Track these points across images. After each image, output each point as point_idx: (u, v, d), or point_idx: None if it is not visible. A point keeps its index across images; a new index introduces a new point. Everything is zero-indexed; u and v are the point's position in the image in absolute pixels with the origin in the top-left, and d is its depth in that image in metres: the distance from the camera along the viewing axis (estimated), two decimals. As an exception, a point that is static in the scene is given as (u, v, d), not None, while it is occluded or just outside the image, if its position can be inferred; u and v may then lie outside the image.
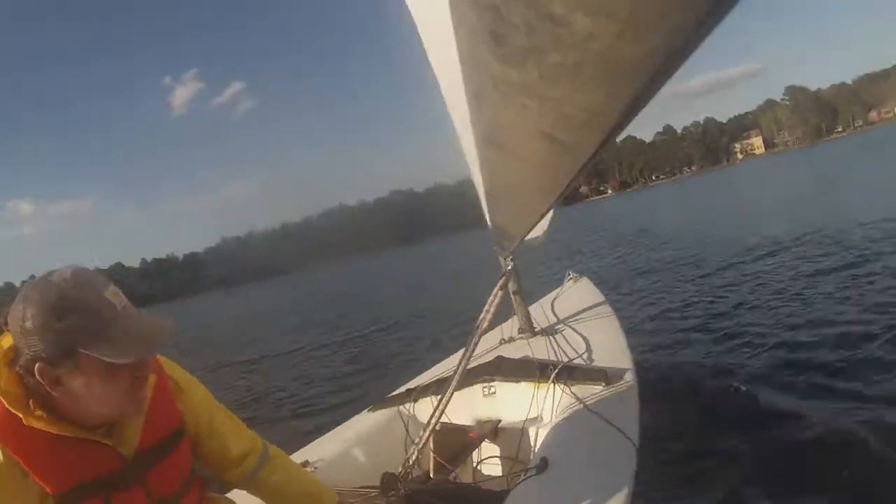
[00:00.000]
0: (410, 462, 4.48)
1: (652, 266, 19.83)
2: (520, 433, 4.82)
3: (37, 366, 2.02)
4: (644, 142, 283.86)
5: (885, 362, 6.60)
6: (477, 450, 5.20)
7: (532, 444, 4.60)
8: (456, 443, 5.08)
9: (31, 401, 2.11)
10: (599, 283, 9.14)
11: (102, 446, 2.28)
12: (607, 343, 5.40)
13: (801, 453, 5.22)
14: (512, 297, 6.68)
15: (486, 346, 6.52)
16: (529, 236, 6.24)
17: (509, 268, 5.60)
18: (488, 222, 5.56)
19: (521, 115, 1.17)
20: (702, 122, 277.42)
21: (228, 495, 3.12)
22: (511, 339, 6.67)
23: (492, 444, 5.23)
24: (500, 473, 4.62)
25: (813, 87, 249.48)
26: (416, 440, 4.71)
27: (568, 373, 4.62)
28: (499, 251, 6.08)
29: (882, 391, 6.01)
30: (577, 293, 8.26)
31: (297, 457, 4.69)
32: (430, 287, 32.00)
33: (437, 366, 6.81)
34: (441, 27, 1.45)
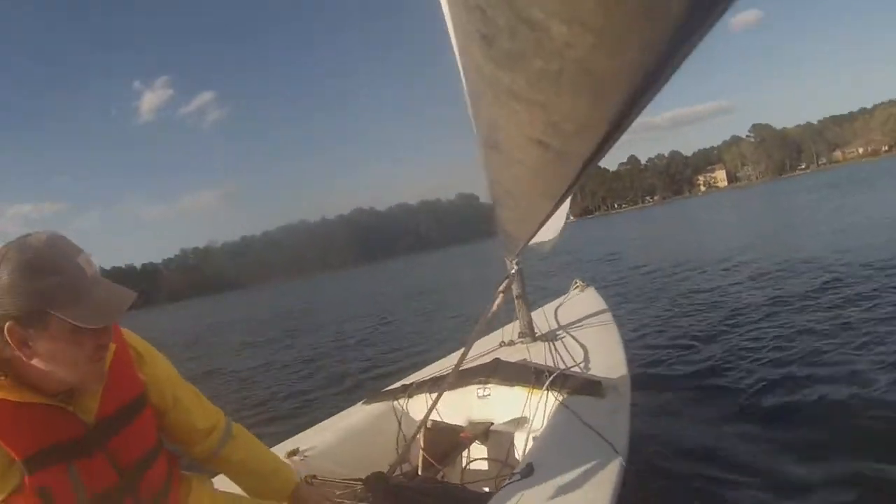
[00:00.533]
0: (400, 458, 4.57)
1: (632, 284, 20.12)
2: (510, 437, 4.84)
3: (7, 325, 2.05)
4: (608, 170, 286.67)
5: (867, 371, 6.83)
6: (467, 450, 5.17)
7: (521, 448, 4.60)
8: (447, 442, 5.07)
9: None
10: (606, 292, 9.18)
11: (63, 412, 2.31)
12: (605, 354, 5.40)
13: (796, 474, 5.19)
14: (515, 300, 6.66)
15: (486, 348, 6.57)
16: (539, 241, 6.69)
17: (513, 271, 5.65)
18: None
19: (512, 119, 1.18)
20: (667, 154, 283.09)
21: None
22: (511, 343, 6.68)
23: (482, 446, 5.23)
24: (488, 475, 4.56)
25: (779, 125, 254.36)
26: (408, 436, 4.79)
27: (563, 381, 4.62)
28: (505, 254, 6.04)
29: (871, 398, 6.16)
30: (581, 301, 8.27)
31: (288, 444, 4.82)
32: (391, 306, 31.75)
33: (435, 363, 6.76)
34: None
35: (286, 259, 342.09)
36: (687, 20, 0.59)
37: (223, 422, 3.09)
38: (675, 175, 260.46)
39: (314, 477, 4.33)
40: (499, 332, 7.05)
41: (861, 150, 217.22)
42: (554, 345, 5.93)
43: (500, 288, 5.17)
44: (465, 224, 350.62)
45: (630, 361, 5.17)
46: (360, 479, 4.15)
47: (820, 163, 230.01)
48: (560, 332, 6.62)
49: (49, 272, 2.08)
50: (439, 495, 4.19)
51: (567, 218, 6.70)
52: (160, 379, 2.80)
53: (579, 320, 7.03)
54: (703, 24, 0.61)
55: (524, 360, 5.68)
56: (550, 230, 6.49)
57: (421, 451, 4.91)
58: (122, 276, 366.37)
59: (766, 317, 11.29)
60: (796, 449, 5.52)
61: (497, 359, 5.68)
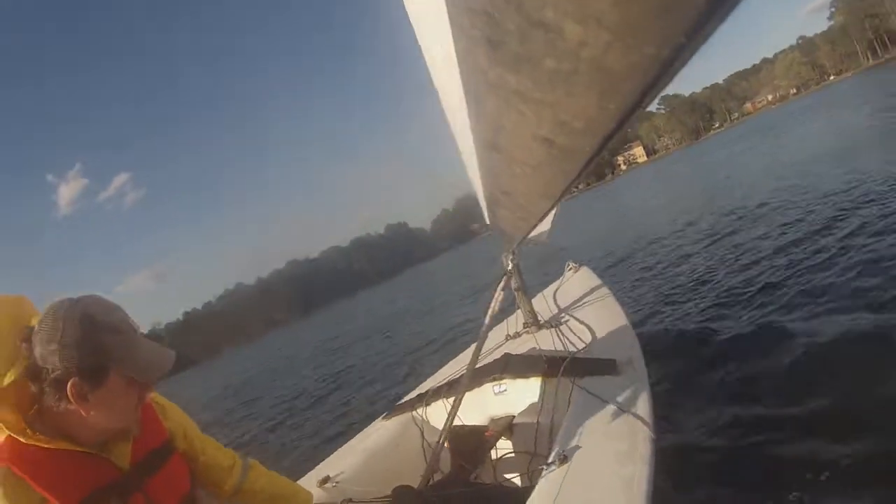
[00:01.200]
0: (430, 467, 4.51)
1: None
2: (534, 428, 4.78)
3: (72, 380, 2.16)
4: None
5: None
6: (494, 448, 5.11)
7: (548, 438, 4.52)
8: (472, 443, 5.05)
9: (29, 423, 2.24)
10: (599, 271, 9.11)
11: (100, 459, 2.39)
12: (612, 330, 5.41)
13: (821, 430, 5.07)
14: (515, 293, 6.66)
15: (493, 344, 6.58)
16: (532, 235, 6.30)
17: (509, 267, 5.65)
18: (487, 221, 5.42)
19: (518, 119, 1.20)
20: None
21: None
22: (517, 335, 6.69)
23: (507, 441, 5.22)
24: (521, 469, 4.62)
25: (687, 92, 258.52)
26: (432, 445, 4.77)
27: (576, 365, 4.62)
28: (503, 250, 6.02)
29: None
30: (577, 282, 8.27)
31: (318, 473, 4.83)
32: (335, 356, 31.44)
33: (445, 368, 6.85)
34: (441, 29, 1.44)
35: (232, 326, 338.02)
36: (703, 12, 0.59)
37: (239, 457, 3.29)
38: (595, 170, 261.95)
39: (349, 501, 4.38)
40: (503, 325, 7.14)
41: (770, 98, 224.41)
42: (560, 330, 5.98)
43: (500, 285, 5.15)
44: (397, 254, 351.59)
45: (639, 335, 5.16)
46: (388, 496, 4.18)
47: (733, 118, 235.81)
48: (563, 315, 6.65)
49: (108, 330, 2.24)
50: (473, 497, 4.25)
51: (557, 219, 6.12)
52: (181, 425, 2.95)
53: (580, 301, 7.06)
54: (719, 15, 0.61)
55: (534, 349, 5.71)
56: (544, 224, 6.16)
57: (450, 457, 4.90)
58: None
59: (726, 272, 11.75)
60: (820, 413, 5.36)
61: (507, 353, 5.64)
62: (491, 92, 1.20)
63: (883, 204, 11.74)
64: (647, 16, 0.61)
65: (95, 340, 2.20)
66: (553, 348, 5.46)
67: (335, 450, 5.43)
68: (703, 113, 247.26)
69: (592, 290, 7.37)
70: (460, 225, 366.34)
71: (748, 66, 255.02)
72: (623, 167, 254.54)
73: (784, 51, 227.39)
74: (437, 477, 4.68)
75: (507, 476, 4.76)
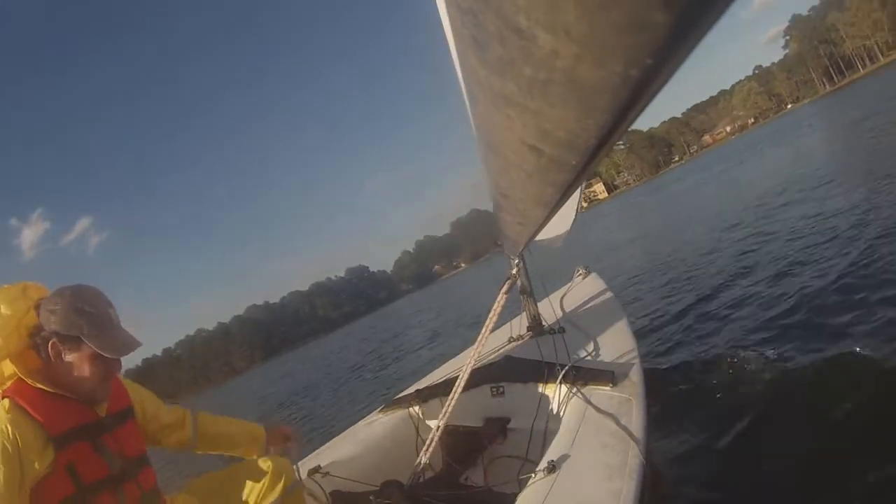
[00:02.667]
0: (421, 464, 4.53)
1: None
2: (529, 434, 4.78)
3: (51, 340, 2.94)
4: (489, 212, 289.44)
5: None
6: (487, 450, 5.20)
7: (541, 444, 4.52)
8: (466, 444, 5.17)
9: (35, 371, 2.98)
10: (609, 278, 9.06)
11: (85, 406, 3.10)
12: (615, 341, 5.40)
13: (815, 447, 5.04)
14: (520, 296, 6.73)
15: (495, 345, 6.60)
16: (546, 238, 6.60)
17: (514, 271, 5.56)
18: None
19: (506, 123, 1.19)
20: None
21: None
22: (519, 338, 6.67)
23: (501, 445, 5.22)
24: (511, 475, 4.43)
25: (645, 127, 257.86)
26: (426, 442, 4.68)
27: (575, 373, 4.64)
28: (508, 253, 5.87)
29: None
30: (585, 289, 8.24)
31: (309, 461, 4.91)
32: (290, 402, 30.78)
33: (446, 365, 6.86)
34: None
35: (191, 373, 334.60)
36: (672, 33, 0.59)
37: (188, 412, 3.95)
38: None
39: (337, 492, 4.51)
40: (507, 326, 7.06)
41: (729, 129, 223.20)
42: (563, 336, 5.87)
43: (504, 288, 5.03)
44: (359, 298, 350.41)
45: (640, 347, 5.15)
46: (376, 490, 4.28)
47: (692, 151, 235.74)
48: (567, 322, 6.54)
49: (88, 312, 3.00)
50: (460, 499, 4.33)
51: (577, 218, 6.43)
52: (141, 402, 3.66)
53: (586, 308, 7.11)
54: (688, 37, 0.61)
55: (535, 354, 5.62)
56: (560, 226, 6.40)
57: (442, 456, 5.00)
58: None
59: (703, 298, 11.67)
60: (820, 427, 5.31)
61: (508, 356, 5.79)
62: (482, 93, 1.19)
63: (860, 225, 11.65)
64: (611, 32, 0.60)
65: (73, 316, 2.95)
66: (554, 354, 5.29)
67: (328, 440, 5.47)
68: (663, 147, 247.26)
69: (599, 298, 7.41)
70: (422, 266, 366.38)
71: (706, 98, 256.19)
72: (584, 204, 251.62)
73: (741, 81, 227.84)
74: (428, 475, 4.78)
75: (497, 480, 4.71)
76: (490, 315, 4.97)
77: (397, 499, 4.14)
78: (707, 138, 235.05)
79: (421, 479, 4.56)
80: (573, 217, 6.39)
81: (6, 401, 2.83)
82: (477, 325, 5.38)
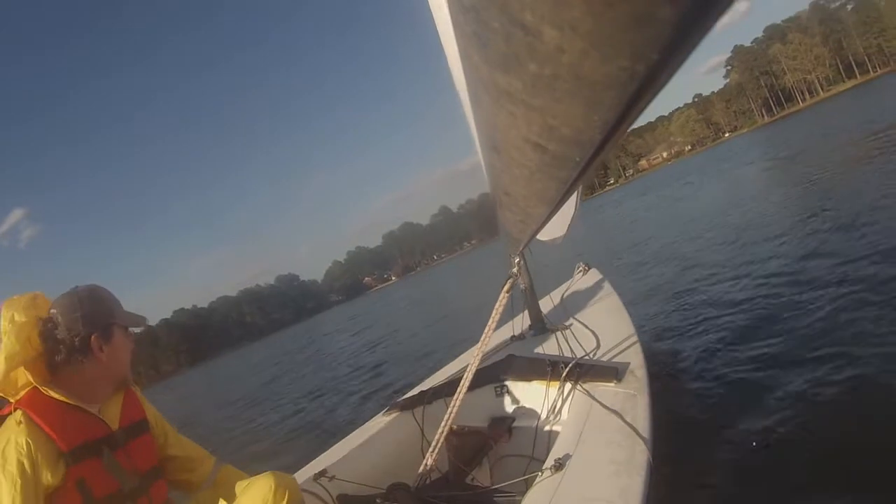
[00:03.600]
0: (427, 466, 4.51)
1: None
2: (534, 432, 4.83)
3: (93, 336, 3.07)
4: (421, 225, 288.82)
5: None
6: (492, 450, 5.18)
7: (547, 443, 4.56)
8: (471, 444, 5.12)
9: (48, 378, 3.04)
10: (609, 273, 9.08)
11: (97, 419, 3.12)
12: (617, 337, 5.39)
13: (824, 443, 5.05)
14: (522, 294, 6.76)
15: (498, 344, 6.67)
16: (547, 237, 6.77)
17: (515, 269, 5.48)
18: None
19: (509, 121, 1.20)
20: (476, 198, 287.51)
21: None
22: (522, 336, 6.76)
23: (507, 444, 5.21)
24: (517, 473, 4.38)
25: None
26: (431, 443, 4.69)
27: (579, 371, 4.64)
28: (509, 251, 5.82)
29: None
30: (586, 285, 8.31)
31: (314, 465, 4.89)
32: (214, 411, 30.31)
33: (449, 365, 6.87)
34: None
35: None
36: (678, 28, 0.59)
37: (210, 456, 3.86)
38: (489, 217, 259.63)
39: (344, 495, 4.49)
40: (508, 325, 7.06)
41: (665, 155, 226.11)
42: (565, 333, 6.00)
43: (505, 287, 5.02)
44: (288, 306, 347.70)
45: (643, 342, 5.17)
46: (383, 493, 4.27)
47: (627, 175, 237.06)
48: (570, 319, 6.63)
49: (106, 300, 3.26)
50: (468, 500, 4.27)
51: (578, 218, 6.59)
52: (159, 421, 3.64)
53: (587, 305, 7.13)
54: (694, 32, 0.61)
55: (538, 352, 5.73)
56: (559, 226, 6.52)
57: (447, 457, 4.97)
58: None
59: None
60: (828, 422, 5.36)
61: (511, 355, 5.70)
62: (485, 90, 1.21)
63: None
64: (618, 28, 0.61)
65: (103, 307, 3.19)
66: (557, 352, 5.45)
67: (332, 444, 5.43)
68: (598, 169, 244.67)
69: (600, 294, 7.47)
70: (353, 277, 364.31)
71: (643, 123, 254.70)
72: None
73: (680, 108, 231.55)
74: (434, 476, 4.69)
75: (504, 479, 4.52)
76: (492, 314, 4.97)
77: (404, 501, 4.14)
78: (643, 163, 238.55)
79: (427, 481, 4.54)
80: (572, 215, 6.49)
81: (19, 413, 2.86)
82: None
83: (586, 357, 5.09)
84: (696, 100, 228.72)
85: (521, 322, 7.01)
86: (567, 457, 3.40)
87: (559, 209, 2.22)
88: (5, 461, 2.69)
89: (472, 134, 3.12)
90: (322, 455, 5.18)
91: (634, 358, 4.73)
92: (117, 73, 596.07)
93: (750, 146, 66.62)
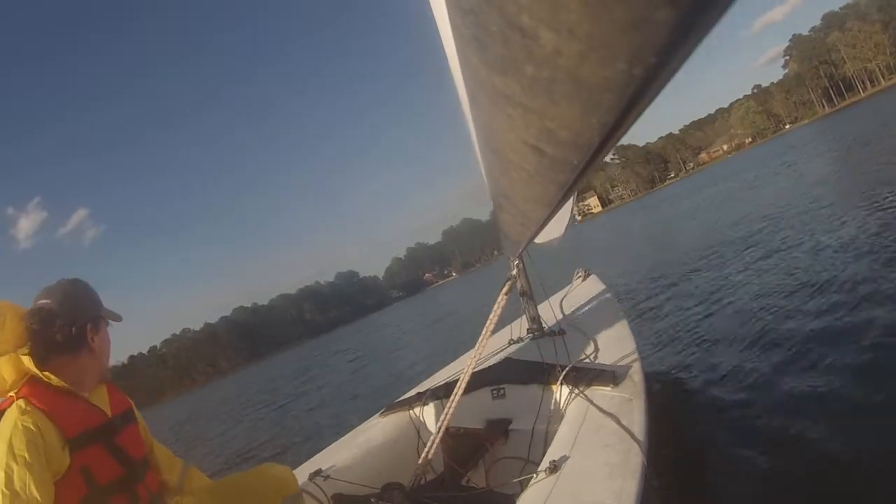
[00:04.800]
0: (421, 467, 4.59)
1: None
2: (530, 435, 4.81)
3: (88, 326, 3.13)
4: (481, 221, 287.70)
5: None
6: (488, 452, 5.17)
7: (542, 445, 4.52)
8: (467, 446, 5.13)
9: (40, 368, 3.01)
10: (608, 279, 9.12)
11: (92, 405, 3.14)
12: (615, 342, 5.42)
13: (814, 450, 5.06)
14: (520, 297, 6.74)
15: (496, 347, 6.66)
16: (543, 239, 6.75)
17: (513, 273, 5.58)
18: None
19: (507, 123, 1.18)
20: None
21: None
22: (520, 340, 6.74)
23: (503, 446, 5.21)
24: (513, 476, 4.41)
25: (642, 142, 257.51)
26: (427, 444, 4.75)
27: (576, 374, 4.66)
28: (508, 254, 5.92)
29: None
30: (585, 290, 8.33)
31: (310, 465, 4.94)
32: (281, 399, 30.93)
33: (447, 367, 6.91)
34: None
35: (176, 372, 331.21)
36: (675, 31, 0.59)
37: (179, 459, 3.82)
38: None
39: (339, 495, 4.50)
40: (507, 329, 7.13)
41: (725, 147, 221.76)
42: (563, 338, 5.94)
43: (504, 290, 5.01)
44: (348, 304, 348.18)
45: (640, 347, 5.20)
46: (378, 493, 4.25)
47: (688, 168, 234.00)
48: (568, 323, 6.62)
49: (93, 292, 3.34)
50: (462, 501, 4.24)
51: (573, 220, 6.82)
52: (137, 412, 3.60)
53: (586, 310, 7.18)
54: (692, 35, 0.61)
55: (535, 356, 5.68)
56: (556, 229, 6.59)
57: (443, 458, 4.97)
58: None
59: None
60: (824, 429, 5.34)
61: (508, 358, 5.83)
62: (483, 93, 1.20)
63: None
64: (616, 30, 0.61)
65: (92, 298, 3.28)
66: (554, 355, 5.38)
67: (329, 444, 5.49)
68: (658, 163, 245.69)
69: (599, 299, 7.47)
70: (412, 274, 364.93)
71: (703, 115, 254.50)
72: (578, 217, 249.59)
73: (739, 100, 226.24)
74: (429, 477, 4.75)
75: (499, 481, 4.70)
76: (490, 317, 4.97)
77: (399, 501, 4.11)
78: (704, 156, 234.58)
79: (422, 482, 4.58)
80: (569, 217, 6.62)
81: (22, 401, 2.85)
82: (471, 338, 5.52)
83: (583, 361, 5.13)
84: (755, 91, 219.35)
85: (520, 326, 7.01)
86: (562, 460, 3.40)
87: (557, 211, 2.21)
88: (14, 447, 2.66)
89: (472, 137, 2.99)
90: (318, 455, 5.22)
91: (631, 363, 4.76)
92: (175, 73, 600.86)
93: (812, 138, 65.35)
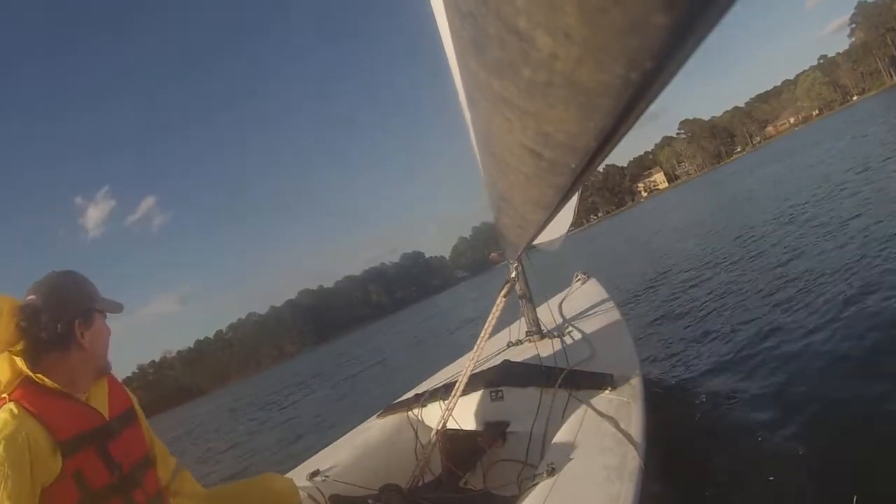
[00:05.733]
0: (420, 469, 4.69)
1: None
2: (528, 438, 4.80)
3: (76, 322, 2.93)
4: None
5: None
6: (486, 454, 5.15)
7: (541, 448, 4.52)
8: (465, 448, 5.10)
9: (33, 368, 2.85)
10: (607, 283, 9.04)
11: (87, 406, 2.99)
12: (613, 345, 5.48)
13: (814, 455, 5.03)
14: (519, 300, 6.77)
15: (495, 349, 6.64)
16: (543, 241, 6.55)
17: (513, 275, 5.75)
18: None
19: (505, 126, 1.19)
20: (601, 169, 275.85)
21: None
22: (518, 342, 6.75)
23: (501, 449, 5.23)
24: (511, 478, 4.56)
25: (707, 116, 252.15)
26: (425, 446, 4.92)
27: (574, 378, 4.70)
28: (507, 257, 6.13)
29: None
30: (584, 294, 8.36)
31: (308, 466, 4.95)
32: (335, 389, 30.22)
33: (445, 369, 6.91)
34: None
35: (241, 356, 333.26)
36: (672, 36, 0.59)
37: (173, 457, 3.67)
38: (615, 188, 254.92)
39: (336, 496, 4.46)
40: (506, 331, 7.20)
41: (792, 120, 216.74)
42: (562, 340, 6.06)
43: (503, 292, 5.19)
44: (413, 283, 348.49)
45: (639, 351, 5.29)
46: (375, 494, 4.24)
47: (754, 142, 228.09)
48: (566, 326, 6.69)
49: (86, 283, 3.15)
50: (461, 503, 4.37)
51: (576, 212, 6.74)
52: (138, 406, 3.46)
53: (584, 313, 7.18)
54: (689, 40, 0.61)
55: (534, 358, 5.71)
56: (557, 229, 6.38)
57: (441, 460, 4.92)
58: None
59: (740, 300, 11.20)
60: (817, 436, 5.34)
61: (507, 360, 5.78)
62: (481, 95, 1.20)
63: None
64: (612, 35, 0.61)
65: (83, 291, 3.08)
66: (553, 358, 5.41)
67: (327, 444, 5.51)
68: (724, 137, 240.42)
69: (598, 302, 7.51)
70: (478, 253, 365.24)
71: (769, 87, 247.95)
72: (644, 194, 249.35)
73: (805, 71, 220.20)
74: (427, 478, 4.81)
75: (497, 484, 4.72)
76: (489, 319, 5.10)
77: (396, 502, 4.13)
78: (770, 129, 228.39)
79: (420, 483, 4.68)
80: (571, 219, 6.59)
81: (13, 404, 2.74)
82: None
83: (582, 364, 5.11)
84: (821, 61, 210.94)
85: (519, 329, 7.07)
86: (560, 462, 3.41)
87: (556, 215, 2.20)
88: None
89: (471, 139, 3.09)
90: (315, 455, 5.26)
91: (629, 366, 4.77)
92: (242, 56, 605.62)
93: (881, 109, 63.41)
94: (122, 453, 3.04)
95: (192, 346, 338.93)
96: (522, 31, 0.69)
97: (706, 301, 12.24)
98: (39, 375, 2.83)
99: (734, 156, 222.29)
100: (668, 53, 0.61)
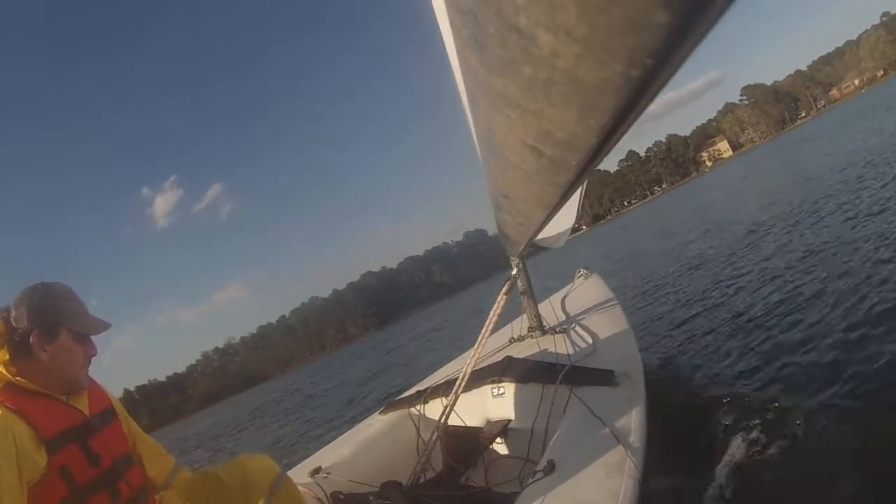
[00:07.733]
0: (421, 465, 4.62)
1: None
2: (529, 434, 4.82)
3: (33, 333, 2.92)
4: (609, 172, 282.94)
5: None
6: (487, 451, 5.23)
7: (542, 444, 4.52)
8: (466, 444, 5.11)
9: (18, 373, 2.93)
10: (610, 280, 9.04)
11: (68, 405, 3.07)
12: (615, 342, 5.44)
13: (815, 453, 4.98)
14: (521, 296, 6.82)
15: (496, 345, 6.69)
16: (546, 238, 6.78)
17: (514, 272, 5.71)
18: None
19: (506, 124, 1.20)
20: (664, 139, 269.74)
21: None
22: (520, 338, 6.77)
23: (502, 445, 5.31)
24: (512, 474, 4.58)
25: (769, 81, 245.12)
26: (427, 443, 4.87)
27: (576, 374, 4.68)
28: (508, 254, 6.02)
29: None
30: (586, 290, 8.40)
31: (311, 462, 4.94)
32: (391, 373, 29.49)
33: (447, 366, 6.97)
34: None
35: (305, 340, 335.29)
36: (673, 33, 0.59)
37: (170, 456, 3.81)
38: (678, 158, 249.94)
39: (338, 493, 4.44)
40: (508, 328, 7.21)
41: (857, 82, 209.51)
42: (564, 337, 6.06)
43: (504, 289, 5.21)
44: (477, 262, 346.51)
45: (641, 348, 5.23)
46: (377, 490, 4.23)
47: (819, 106, 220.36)
48: (568, 323, 6.70)
49: (63, 298, 3.10)
50: (461, 499, 4.33)
51: (580, 209, 6.49)
52: (121, 409, 3.54)
53: (586, 309, 7.15)
54: (689, 37, 0.61)
55: (535, 355, 5.74)
56: (560, 225, 6.46)
57: (442, 456, 4.93)
58: (150, 392, 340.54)
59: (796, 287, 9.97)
60: (821, 434, 5.24)
61: (508, 356, 5.72)
62: (482, 94, 1.20)
63: None
64: (613, 32, 0.61)
65: (52, 304, 3.02)
66: (554, 354, 5.49)
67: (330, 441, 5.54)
68: (788, 102, 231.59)
69: (600, 299, 7.47)
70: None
71: (831, 49, 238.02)
72: (708, 163, 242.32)
73: (867, 30, 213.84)
74: (429, 475, 4.79)
75: (498, 480, 4.74)
76: (490, 316, 5.11)
77: (397, 499, 4.11)
78: (834, 92, 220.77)
79: (421, 480, 4.64)
80: (574, 216, 6.51)
81: None
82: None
83: (583, 361, 5.07)
84: (884, 19, 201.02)
85: (520, 325, 7.09)
86: (560, 459, 3.40)
87: (557, 212, 2.22)
88: None
89: (472, 137, 3.08)
90: (317, 452, 5.27)
91: (631, 363, 4.74)
92: (301, 46, 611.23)
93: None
94: (104, 448, 3.13)
95: (254, 331, 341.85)
96: (523, 28, 0.70)
97: (734, 295, 11.36)
98: (19, 379, 2.91)
99: (798, 121, 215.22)
100: (669, 51, 0.62)
